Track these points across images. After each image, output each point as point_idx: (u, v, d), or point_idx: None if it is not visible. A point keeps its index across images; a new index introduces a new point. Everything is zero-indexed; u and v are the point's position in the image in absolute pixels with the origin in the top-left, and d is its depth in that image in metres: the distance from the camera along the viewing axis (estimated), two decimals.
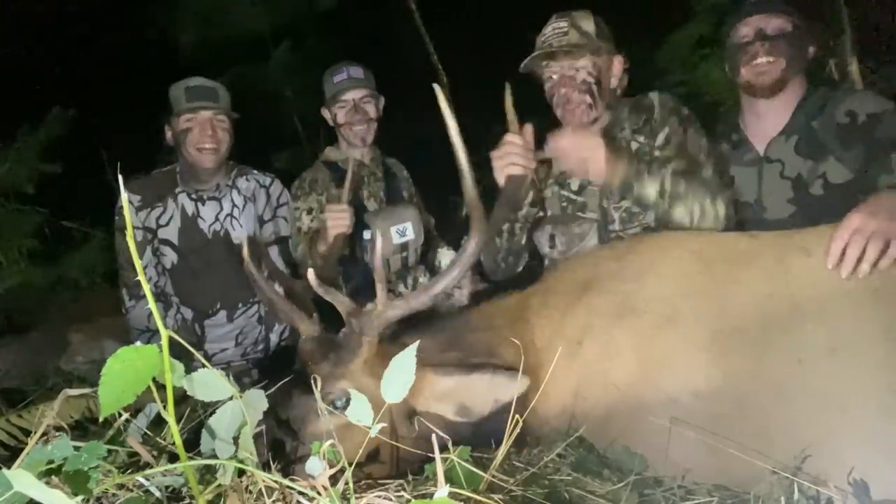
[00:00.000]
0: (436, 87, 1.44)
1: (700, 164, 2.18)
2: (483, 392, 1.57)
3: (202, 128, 2.81)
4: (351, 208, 2.56)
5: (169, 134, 2.92)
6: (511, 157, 1.93)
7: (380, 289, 1.58)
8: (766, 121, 2.36)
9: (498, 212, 1.87)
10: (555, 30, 2.28)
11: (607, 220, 2.29)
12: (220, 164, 2.92)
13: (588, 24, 2.29)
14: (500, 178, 1.95)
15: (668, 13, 3.88)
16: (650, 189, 2.05)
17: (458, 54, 4.61)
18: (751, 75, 2.30)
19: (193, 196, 2.97)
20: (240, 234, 2.96)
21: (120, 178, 1.00)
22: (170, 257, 2.93)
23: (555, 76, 2.32)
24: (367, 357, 1.57)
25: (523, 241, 2.43)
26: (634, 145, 2.30)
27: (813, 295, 1.55)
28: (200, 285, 2.94)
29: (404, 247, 2.89)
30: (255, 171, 3.10)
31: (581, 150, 2.07)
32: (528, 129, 1.97)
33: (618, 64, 2.35)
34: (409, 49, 4.72)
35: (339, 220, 2.53)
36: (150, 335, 2.83)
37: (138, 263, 0.95)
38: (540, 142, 2.11)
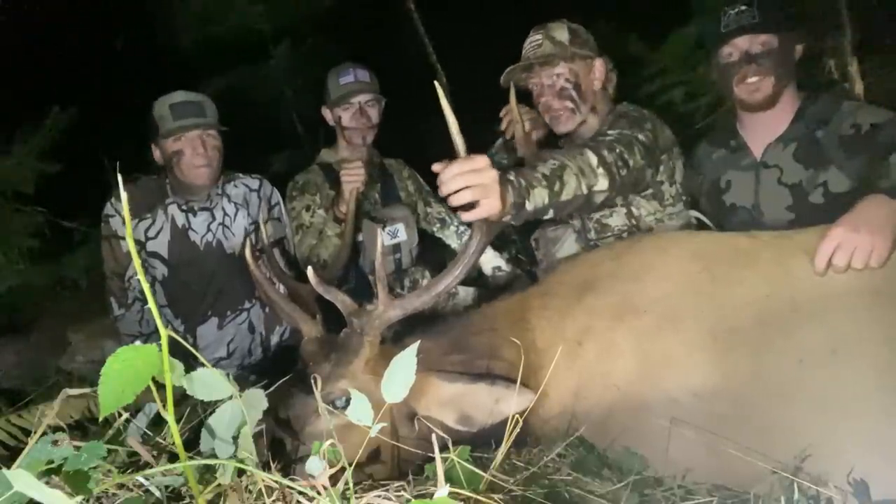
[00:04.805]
0: (437, 85, 1.42)
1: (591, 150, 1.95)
2: (486, 403, 1.54)
3: (193, 147, 2.72)
4: (363, 164, 2.70)
5: (157, 153, 2.82)
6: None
7: (381, 288, 1.57)
8: (764, 127, 2.36)
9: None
10: (531, 43, 2.41)
11: (585, 229, 2.37)
12: (215, 178, 2.85)
13: (562, 33, 2.38)
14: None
15: (668, 13, 3.87)
16: (539, 200, 1.74)
17: (457, 54, 4.61)
18: (743, 94, 2.29)
19: (184, 207, 2.86)
20: (240, 242, 2.88)
21: (121, 184, 0.98)
22: (160, 270, 2.82)
23: (536, 87, 2.43)
24: (368, 357, 1.57)
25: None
26: None
27: (813, 295, 1.55)
28: (192, 295, 2.84)
29: (396, 248, 2.88)
30: (242, 175, 3.00)
31: (472, 190, 1.56)
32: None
33: (599, 66, 2.41)
34: (408, 49, 4.72)
35: (353, 176, 2.64)
36: (144, 340, 2.77)
37: (138, 263, 0.94)
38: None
